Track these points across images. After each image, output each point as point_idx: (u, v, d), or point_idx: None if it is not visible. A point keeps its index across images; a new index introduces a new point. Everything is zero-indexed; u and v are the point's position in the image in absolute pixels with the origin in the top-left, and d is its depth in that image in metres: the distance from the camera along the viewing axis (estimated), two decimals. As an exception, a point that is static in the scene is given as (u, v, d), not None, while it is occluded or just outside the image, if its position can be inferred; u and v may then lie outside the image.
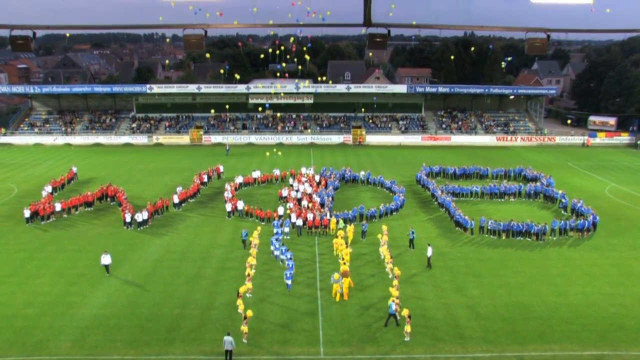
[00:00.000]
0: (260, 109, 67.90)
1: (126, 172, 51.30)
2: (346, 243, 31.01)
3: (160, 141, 68.09)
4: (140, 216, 34.95)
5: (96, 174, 50.25)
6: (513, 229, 33.36)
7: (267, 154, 55.97)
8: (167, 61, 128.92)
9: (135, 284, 26.85)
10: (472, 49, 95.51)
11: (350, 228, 32.59)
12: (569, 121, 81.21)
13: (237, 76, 59.61)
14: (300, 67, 69.67)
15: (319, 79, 79.20)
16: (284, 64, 65.61)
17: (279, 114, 70.79)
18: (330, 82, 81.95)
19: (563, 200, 39.42)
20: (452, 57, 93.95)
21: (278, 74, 56.34)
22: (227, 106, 66.65)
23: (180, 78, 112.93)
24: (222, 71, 56.24)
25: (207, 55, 50.01)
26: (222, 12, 41.73)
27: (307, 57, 53.01)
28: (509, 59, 71.21)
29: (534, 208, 40.06)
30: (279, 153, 56.66)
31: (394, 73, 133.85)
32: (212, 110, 65.73)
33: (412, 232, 31.66)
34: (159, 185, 45.92)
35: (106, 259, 27.87)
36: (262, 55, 50.74)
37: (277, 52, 56.49)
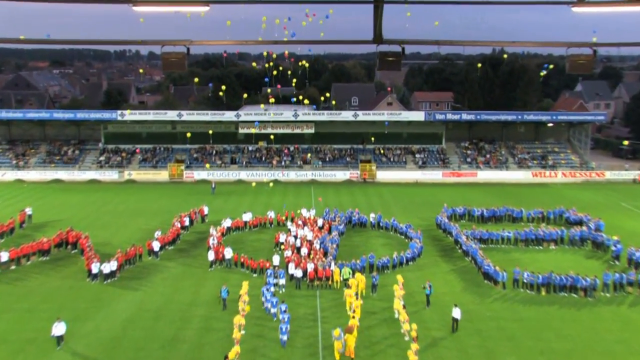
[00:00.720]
0: (260, 143, 68.17)
1: (91, 214, 51.69)
2: (356, 294, 31.22)
3: (133, 177, 68.85)
4: (108, 267, 35.14)
5: (55, 216, 50.50)
6: (555, 283, 33.43)
7: (253, 184, 56.39)
8: (143, 72, 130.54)
9: (100, 349, 26.84)
10: (502, 67, 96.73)
11: (361, 277, 32.90)
12: (622, 152, 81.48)
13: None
14: (302, 97, 70.44)
15: (322, 102, 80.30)
16: (279, 86, 66.54)
17: (274, 146, 72.16)
18: (334, 102, 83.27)
19: (615, 248, 39.28)
20: (478, 78, 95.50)
21: (271, 99, 56.77)
22: (209, 131, 66.14)
23: (158, 103, 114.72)
24: (221, 92, 56.32)
25: (196, 79, 50.41)
26: (229, 22, 43.02)
27: (304, 63, 52.35)
28: (551, 66, 69.75)
29: (580, 257, 40.23)
30: (271, 184, 57.31)
31: (410, 97, 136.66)
32: (188, 135, 64.56)
33: (429, 287, 31.73)
34: (131, 230, 46.29)
35: (59, 329, 26.91)
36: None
37: (274, 72, 57.32)
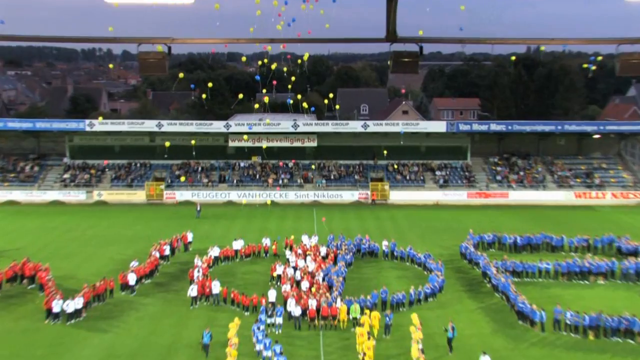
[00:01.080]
0: (253, 158, 67.80)
1: (53, 242, 51.56)
2: (369, 334, 31.15)
3: (104, 198, 68.96)
4: (72, 304, 34.96)
5: (8, 244, 50.25)
6: (605, 326, 33.03)
7: (244, 202, 56.00)
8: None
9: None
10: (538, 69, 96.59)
11: (375, 314, 32.94)
12: None
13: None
14: (304, 104, 69.63)
15: (326, 109, 79.94)
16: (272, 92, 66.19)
17: (270, 162, 72.01)
18: (337, 106, 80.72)
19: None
20: (510, 81, 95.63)
21: (266, 98, 55.54)
22: (192, 142, 63.27)
23: (134, 111, 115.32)
24: (205, 95, 55.91)
25: (180, 75, 49.02)
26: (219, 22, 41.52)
27: (304, 57, 51.97)
28: (599, 57, 67.13)
29: (636, 295, 39.84)
30: (268, 202, 57.33)
31: (429, 105, 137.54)
32: (167, 144, 61.53)
33: (452, 329, 31.43)
34: (101, 260, 46.28)
35: None
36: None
37: (272, 68, 56.46)
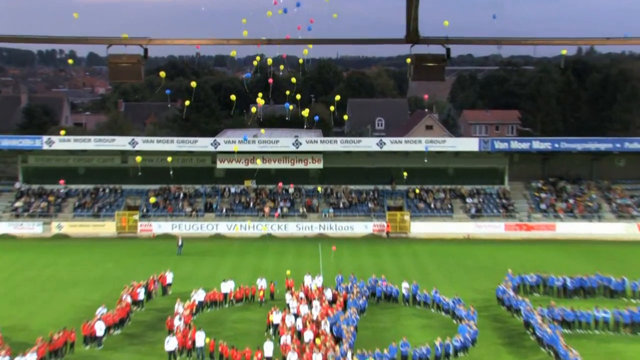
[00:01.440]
0: (247, 183, 67.60)
1: (1, 285, 51.39)
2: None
3: (65, 231, 68.79)
4: (24, 362, 34.64)
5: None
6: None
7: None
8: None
9: None
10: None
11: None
12: None
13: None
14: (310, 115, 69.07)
15: (333, 124, 79.46)
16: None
17: (266, 187, 71.78)
18: (345, 117, 79.10)
19: None
20: (557, 90, 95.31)
21: (261, 100, 54.94)
22: (168, 159, 59.76)
23: (102, 126, 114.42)
24: (187, 102, 54.88)
25: (162, 74, 48.26)
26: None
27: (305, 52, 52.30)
28: None
29: None
30: (265, 230, 57.15)
31: (458, 118, 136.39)
32: (138, 160, 55.78)
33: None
34: (60, 307, 45.86)
35: None
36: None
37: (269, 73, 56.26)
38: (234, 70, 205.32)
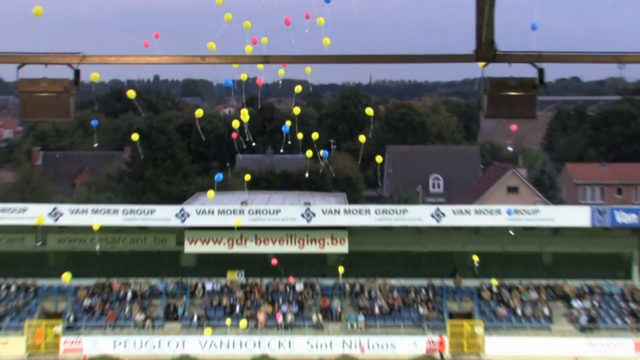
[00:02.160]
0: (231, 275, 63.03)
1: None
2: None
3: (-52, 351, 58.77)
4: None
5: None
6: None
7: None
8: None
9: None
10: None
11: None
12: None
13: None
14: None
15: (363, 183, 78.72)
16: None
17: (260, 281, 61.46)
18: (378, 173, 79.78)
19: None
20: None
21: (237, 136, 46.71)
22: (94, 227, 55.27)
23: (8, 188, 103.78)
24: (134, 137, 50.78)
25: (130, 94, 35.28)
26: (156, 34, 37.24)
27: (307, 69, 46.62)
28: None
29: None
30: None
31: (557, 176, 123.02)
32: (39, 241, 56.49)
33: None
34: None
35: None
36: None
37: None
38: (212, 101, 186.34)
